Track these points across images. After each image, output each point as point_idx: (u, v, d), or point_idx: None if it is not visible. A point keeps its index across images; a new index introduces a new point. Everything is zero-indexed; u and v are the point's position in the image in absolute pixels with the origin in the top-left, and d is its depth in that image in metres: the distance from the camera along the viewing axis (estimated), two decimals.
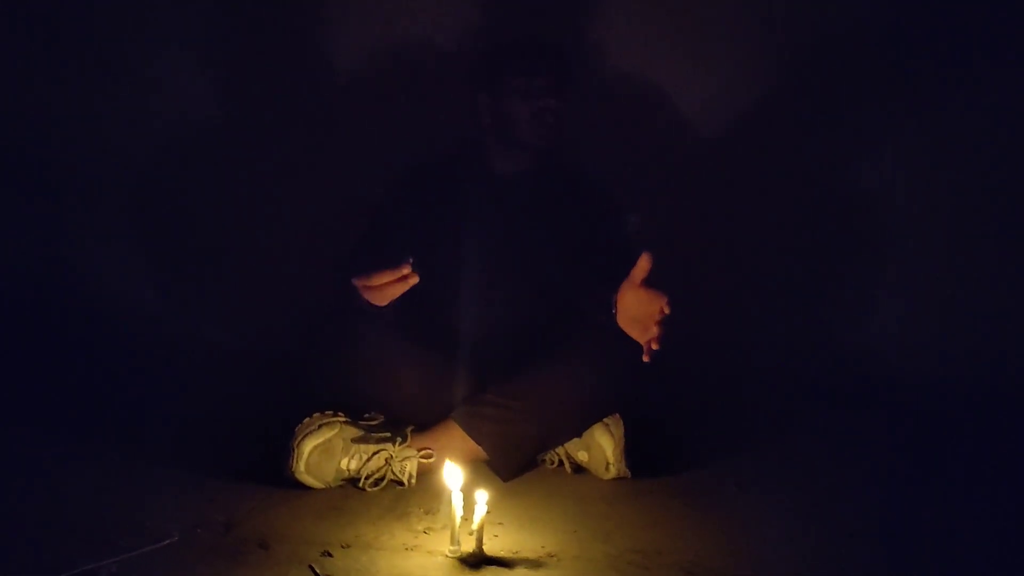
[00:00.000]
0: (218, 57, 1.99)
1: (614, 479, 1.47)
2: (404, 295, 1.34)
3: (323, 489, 1.37)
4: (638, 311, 1.30)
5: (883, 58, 1.96)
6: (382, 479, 1.40)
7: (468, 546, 1.19)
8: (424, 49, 1.95)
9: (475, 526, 1.19)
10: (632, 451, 1.46)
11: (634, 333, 1.32)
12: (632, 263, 1.30)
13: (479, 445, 1.44)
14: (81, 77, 1.98)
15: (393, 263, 1.31)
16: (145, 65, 1.99)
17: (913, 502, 1.45)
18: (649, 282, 1.30)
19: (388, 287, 1.32)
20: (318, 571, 1.12)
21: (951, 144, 1.98)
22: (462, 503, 1.20)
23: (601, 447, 1.46)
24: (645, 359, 1.29)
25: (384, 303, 1.36)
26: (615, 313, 1.34)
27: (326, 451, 1.37)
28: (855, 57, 1.96)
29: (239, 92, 2.01)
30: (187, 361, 1.91)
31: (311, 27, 1.97)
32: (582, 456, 1.49)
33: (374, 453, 1.40)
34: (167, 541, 1.18)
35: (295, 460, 1.35)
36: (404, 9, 1.93)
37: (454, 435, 1.44)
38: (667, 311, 1.25)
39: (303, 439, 1.36)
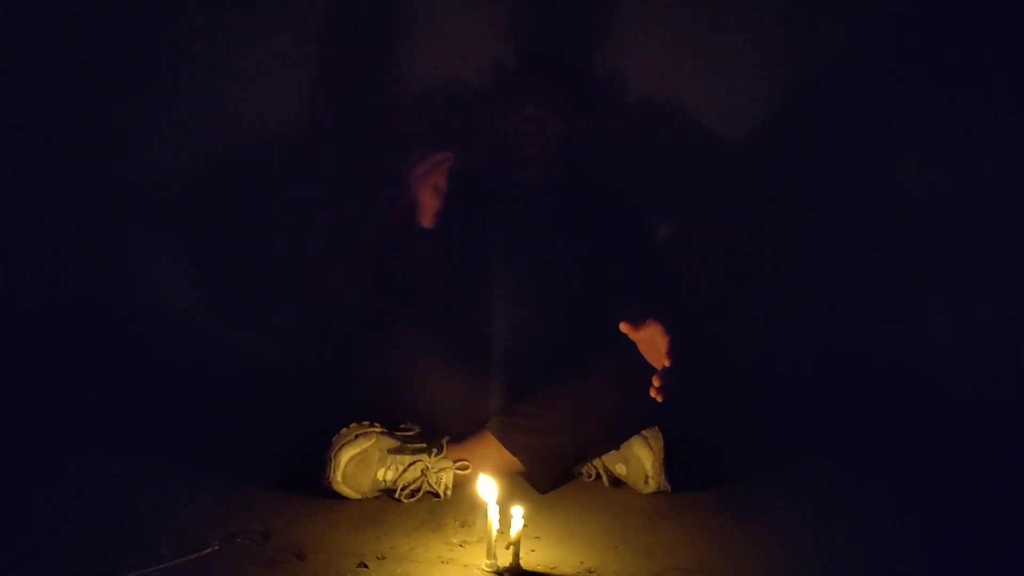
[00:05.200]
0: (259, 74, 2.03)
1: (654, 493, 1.44)
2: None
3: (359, 500, 1.37)
4: (651, 345, 1.32)
5: (918, 58, 1.91)
6: (418, 490, 1.39)
7: (505, 560, 1.17)
8: (454, 81, 1.99)
9: (512, 540, 1.17)
10: (672, 465, 1.43)
11: (652, 360, 1.33)
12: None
13: (515, 456, 1.42)
14: (126, 96, 2.04)
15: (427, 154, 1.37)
16: (187, 84, 2.04)
17: (961, 521, 1.39)
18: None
19: (429, 177, 1.38)
20: None
21: (993, 146, 1.91)
22: (498, 516, 1.18)
23: (640, 460, 1.44)
24: (654, 392, 1.28)
25: (430, 218, 1.41)
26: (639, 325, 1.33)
27: (362, 462, 1.37)
28: (885, 62, 1.91)
29: (277, 108, 2.04)
30: (226, 371, 1.94)
31: (347, 50, 1.99)
32: (620, 469, 1.46)
33: (410, 464, 1.39)
34: (208, 550, 1.19)
35: (332, 470, 1.36)
36: (434, 46, 1.98)
37: (490, 446, 1.43)
38: (667, 363, 1.26)
39: (340, 449, 1.36)
